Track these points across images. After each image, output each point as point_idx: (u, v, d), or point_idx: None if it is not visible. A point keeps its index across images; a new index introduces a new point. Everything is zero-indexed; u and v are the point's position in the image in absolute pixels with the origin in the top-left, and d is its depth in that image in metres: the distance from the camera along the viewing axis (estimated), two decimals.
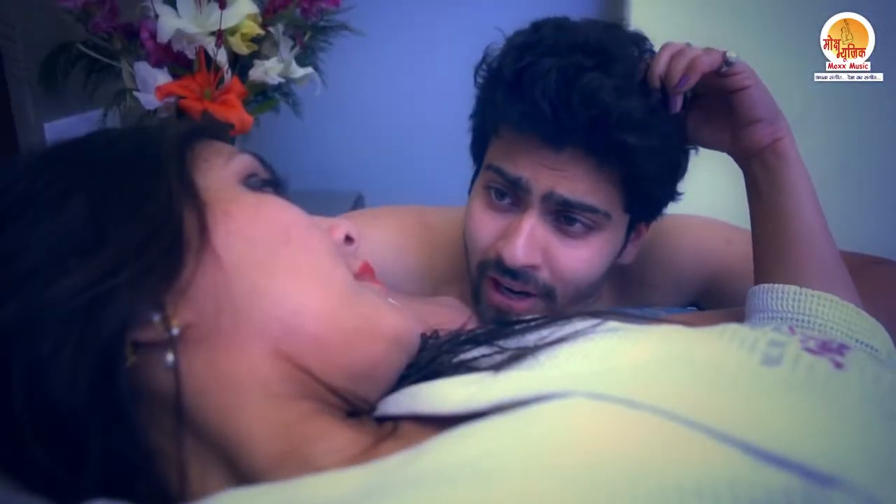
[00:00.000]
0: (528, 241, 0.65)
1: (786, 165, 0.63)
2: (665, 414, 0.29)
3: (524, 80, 0.62)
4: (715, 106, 0.65)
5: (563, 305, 0.70)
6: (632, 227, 0.72)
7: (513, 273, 0.66)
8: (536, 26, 0.67)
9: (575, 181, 0.64)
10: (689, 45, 0.64)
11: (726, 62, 0.61)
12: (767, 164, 0.64)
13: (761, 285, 0.63)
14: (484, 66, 0.70)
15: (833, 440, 0.28)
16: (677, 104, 0.64)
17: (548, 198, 0.65)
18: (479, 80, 0.71)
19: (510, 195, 0.67)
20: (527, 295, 0.69)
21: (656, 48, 0.68)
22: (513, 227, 0.66)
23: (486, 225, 0.69)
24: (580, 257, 0.67)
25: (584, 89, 0.60)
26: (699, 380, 0.33)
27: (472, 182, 0.75)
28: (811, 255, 0.62)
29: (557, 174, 0.64)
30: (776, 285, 0.61)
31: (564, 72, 0.60)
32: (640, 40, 0.68)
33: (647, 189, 0.67)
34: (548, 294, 0.68)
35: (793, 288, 0.60)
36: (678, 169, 0.69)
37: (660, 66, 0.62)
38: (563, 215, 0.66)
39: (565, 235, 0.67)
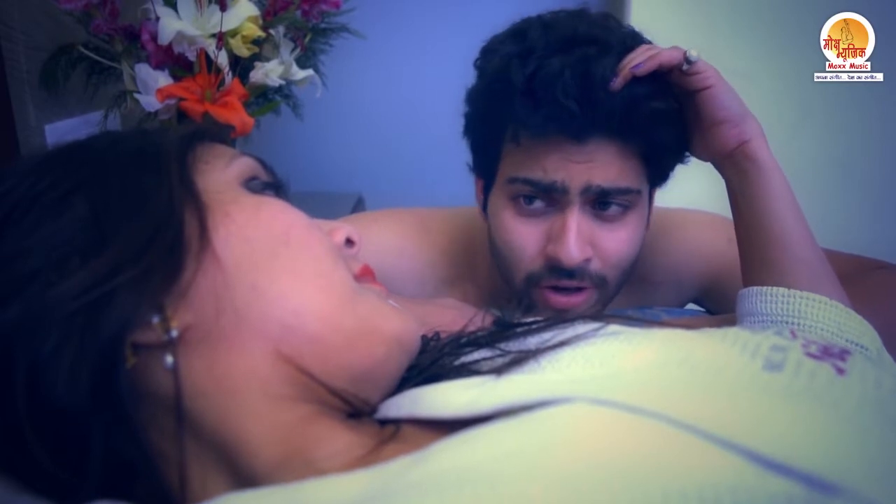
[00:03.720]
0: (578, 237, 0.66)
1: (757, 168, 0.63)
2: (667, 419, 0.29)
3: (537, 85, 0.62)
4: (686, 111, 0.66)
5: (614, 289, 0.71)
6: (650, 195, 0.73)
7: (569, 272, 0.67)
8: (521, 30, 0.67)
9: (606, 168, 0.65)
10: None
11: (687, 60, 0.62)
12: (739, 167, 0.64)
13: (749, 288, 0.63)
14: (483, 83, 0.69)
15: (835, 447, 0.27)
16: (618, 81, 0.62)
17: (586, 191, 0.65)
18: (476, 96, 0.70)
19: (541, 198, 0.67)
20: (581, 289, 0.69)
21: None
22: (557, 227, 0.67)
23: (526, 234, 0.69)
24: (623, 238, 0.68)
25: (602, 76, 0.61)
26: (701, 385, 0.32)
27: (485, 196, 0.74)
28: (792, 256, 0.62)
29: (588, 166, 0.64)
30: (764, 288, 0.61)
31: (576, 66, 0.61)
32: (610, 17, 0.69)
33: (668, 155, 0.69)
34: (601, 283, 0.69)
35: (781, 290, 0.60)
36: (686, 129, 0.70)
37: (629, 56, 0.63)
38: (599, 202, 0.67)
39: (604, 221, 0.68)
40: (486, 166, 0.73)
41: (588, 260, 0.67)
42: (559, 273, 0.67)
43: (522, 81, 0.63)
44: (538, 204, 0.68)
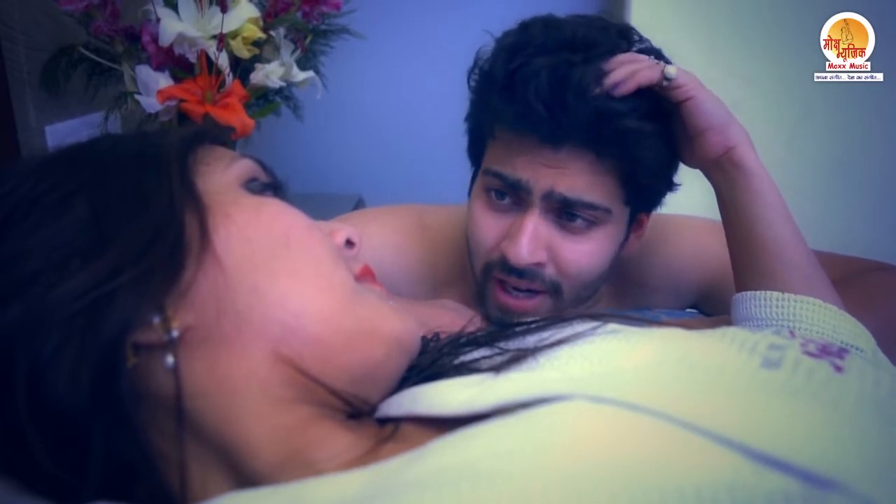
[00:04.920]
0: (532, 239, 0.65)
1: (744, 174, 0.63)
2: (665, 417, 0.29)
3: (516, 82, 0.62)
4: (674, 121, 0.66)
5: (570, 301, 0.70)
6: (633, 218, 0.72)
7: (518, 272, 0.67)
8: (525, 26, 0.67)
9: (574, 178, 0.64)
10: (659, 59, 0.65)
11: (665, 77, 0.61)
12: (726, 174, 0.64)
13: (743, 293, 0.63)
14: (476, 69, 0.70)
15: (832, 444, 0.28)
16: (597, 91, 0.62)
17: (548, 196, 0.65)
18: (472, 83, 0.71)
19: (510, 195, 0.68)
20: (534, 293, 0.69)
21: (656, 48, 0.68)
22: (515, 226, 0.67)
23: (489, 226, 0.69)
24: (584, 251, 0.67)
25: (577, 85, 0.60)
26: (699, 383, 0.33)
27: (472, 184, 0.75)
28: (783, 261, 0.62)
29: (557, 172, 0.64)
30: (758, 292, 0.61)
31: (554, 71, 0.61)
32: (626, 31, 0.68)
33: (646, 179, 0.67)
34: (555, 290, 0.69)
35: (775, 294, 0.60)
36: (674, 157, 0.69)
37: (610, 63, 0.62)
38: (565, 212, 0.66)
39: (568, 231, 0.67)
40: (474, 154, 0.74)
41: (541, 265, 0.67)
42: (508, 270, 0.67)
43: (504, 76, 0.63)
44: (507, 200, 0.68)
